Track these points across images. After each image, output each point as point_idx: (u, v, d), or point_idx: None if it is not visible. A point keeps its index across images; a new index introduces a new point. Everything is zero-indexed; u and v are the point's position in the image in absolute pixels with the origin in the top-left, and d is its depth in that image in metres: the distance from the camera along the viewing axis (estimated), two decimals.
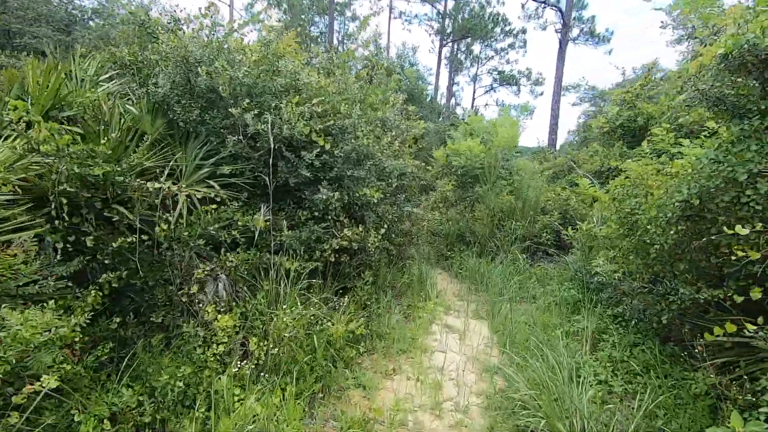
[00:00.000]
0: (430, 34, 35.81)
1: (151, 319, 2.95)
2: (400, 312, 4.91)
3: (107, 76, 4.71)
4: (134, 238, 2.97)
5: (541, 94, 37.55)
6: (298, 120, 3.75)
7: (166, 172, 3.58)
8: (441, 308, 5.27)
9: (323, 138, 4.00)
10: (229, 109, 3.68)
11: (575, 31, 30.87)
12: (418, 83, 17.27)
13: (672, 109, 6.96)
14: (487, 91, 38.61)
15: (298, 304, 3.43)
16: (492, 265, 6.55)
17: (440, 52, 34.85)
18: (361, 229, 4.18)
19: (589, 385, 3.44)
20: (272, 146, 3.52)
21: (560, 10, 28.20)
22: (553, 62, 28.22)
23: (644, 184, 3.68)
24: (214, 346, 2.85)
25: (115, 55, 4.99)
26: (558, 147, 24.33)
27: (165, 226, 3.05)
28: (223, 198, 3.72)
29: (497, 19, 34.23)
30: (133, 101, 4.37)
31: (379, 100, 5.34)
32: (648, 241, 3.31)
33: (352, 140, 4.28)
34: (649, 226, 3.36)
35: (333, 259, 4.04)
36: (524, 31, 35.70)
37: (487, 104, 39.58)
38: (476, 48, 37.37)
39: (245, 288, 3.47)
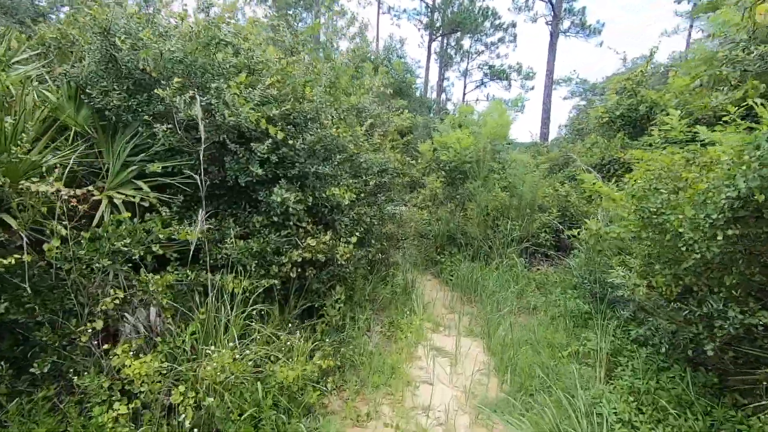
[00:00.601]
0: (419, 29, 35.13)
1: (31, 369, 2.20)
2: (380, 331, 4.20)
3: (24, 57, 3.93)
4: (24, 256, 2.23)
5: (532, 88, 37.17)
6: (243, 104, 3.00)
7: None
8: (429, 324, 4.57)
9: (280, 127, 3.27)
10: (155, 90, 2.92)
11: (566, 23, 30.41)
12: (407, 76, 16.50)
13: (683, 93, 6.32)
14: (477, 86, 38.03)
15: (237, 337, 2.69)
16: (486, 270, 5.86)
17: (429, 47, 34.20)
18: (329, 236, 3.45)
19: (610, 429, 2.76)
20: (202, 136, 2.77)
21: (551, 2, 27.63)
22: (544, 56, 27.72)
23: (671, 177, 3.00)
24: (117, 404, 2.11)
25: (43, 36, 4.21)
26: (549, 141, 23.81)
27: (58, 242, 2.30)
28: (153, 202, 2.97)
29: (487, 12, 33.77)
30: (58, 87, 3.59)
31: (356, 85, 4.62)
32: (683, 248, 2.63)
33: (318, 130, 3.55)
34: (682, 230, 2.68)
35: (295, 274, 3.31)
36: (514, 25, 35.30)
37: (477, 99, 39.05)
38: (466, 42, 36.92)
39: (177, 318, 2.73)
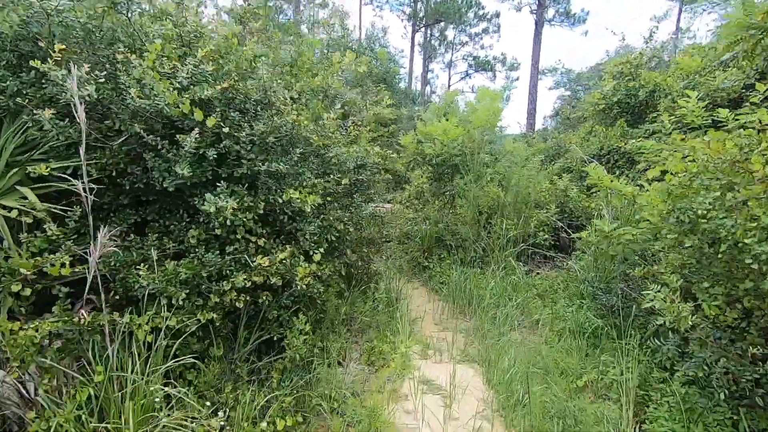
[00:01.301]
0: (402, 20, 34.39)
1: None
2: (358, 362, 3.49)
3: None
4: None
5: (517, 79, 36.70)
6: (159, 82, 2.22)
7: None
8: (417, 348, 3.87)
9: (220, 113, 2.51)
10: (31, 62, 2.12)
11: (551, 12, 29.95)
12: (390, 65, 15.67)
13: (697, 73, 5.71)
14: (462, 78, 37.43)
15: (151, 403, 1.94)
16: (481, 277, 5.18)
17: (413, 38, 33.54)
18: (288, 252, 2.70)
19: None
20: (82, 125, 1.97)
21: None
22: (528, 46, 27.29)
23: (724, 170, 2.32)
24: None
25: None
26: (535, 132, 23.37)
27: None
28: (39, 216, 2.18)
29: (471, 2, 33.31)
30: None
31: (324, 64, 3.85)
32: (753, 264, 1.97)
33: (274, 117, 2.79)
34: (748, 240, 2.02)
35: (241, 304, 2.56)
36: (498, 15, 34.95)
37: (463, 90, 38.42)
38: (450, 34, 36.47)
39: (66, 380, 1.95)
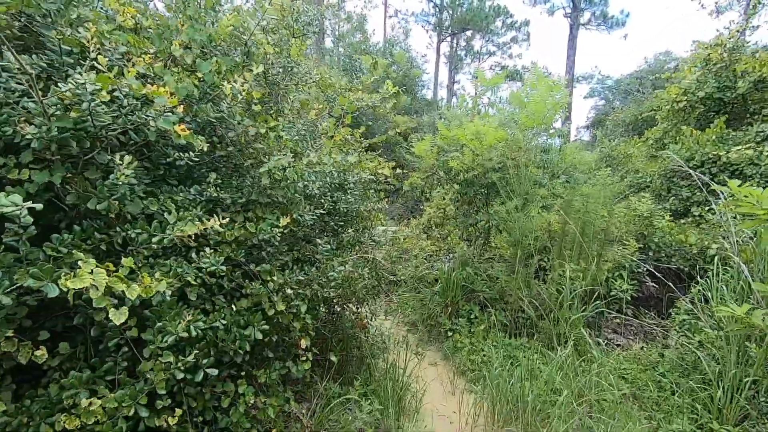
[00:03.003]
0: (427, 30, 33.27)
1: None
2: None
3: None
4: None
5: None
6: None
7: None
8: None
9: None
10: None
11: (586, 15, 27.96)
12: (411, 70, 13.96)
13: None
14: (489, 89, 35.57)
15: None
16: (539, 360, 3.31)
17: (438, 48, 32.28)
18: None
19: None
20: None
21: None
22: (561, 52, 25.28)
23: None
24: None
25: None
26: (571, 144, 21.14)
27: None
28: None
29: (498, 10, 31.90)
30: None
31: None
32: None
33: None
34: None
35: None
36: (527, 24, 33.33)
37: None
38: (476, 43, 35.09)
39: None
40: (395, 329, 4.23)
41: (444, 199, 5.03)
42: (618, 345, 3.79)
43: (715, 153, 5.27)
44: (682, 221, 5.18)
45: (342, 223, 2.53)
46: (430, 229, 5.95)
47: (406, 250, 6.27)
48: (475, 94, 5.57)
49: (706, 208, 5.07)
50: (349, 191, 2.52)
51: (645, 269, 4.41)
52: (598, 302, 3.80)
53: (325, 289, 2.02)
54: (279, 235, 1.80)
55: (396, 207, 10.66)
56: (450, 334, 3.97)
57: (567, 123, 21.82)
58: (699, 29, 26.33)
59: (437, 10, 32.15)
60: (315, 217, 2.17)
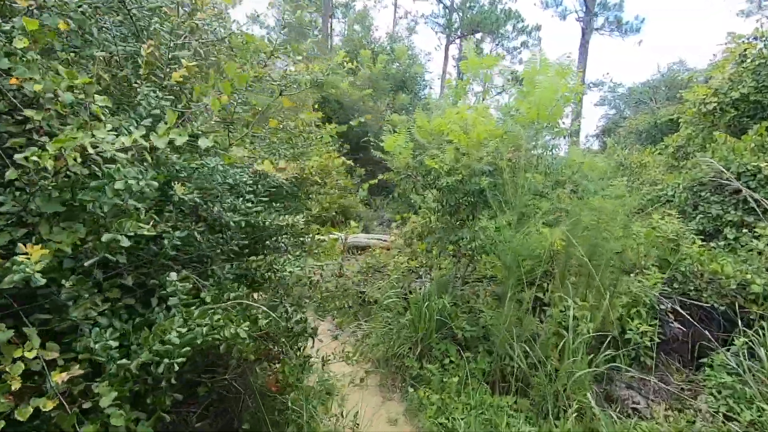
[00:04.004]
0: (436, 32, 32.51)
1: None
2: None
3: None
4: None
5: None
6: None
7: None
8: None
9: None
10: None
11: (600, 20, 27.01)
12: (411, 66, 13.03)
13: None
14: (498, 93, 34.72)
15: None
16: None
17: (447, 50, 31.53)
18: None
19: None
20: None
21: None
22: (574, 57, 24.35)
23: None
24: None
25: None
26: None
27: None
28: None
29: (509, 13, 31.15)
30: None
31: None
32: None
33: None
34: None
35: None
36: (539, 28, 32.45)
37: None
38: (486, 47, 34.29)
39: None
40: (354, 369, 3.37)
41: (422, 210, 4.16)
42: (634, 408, 2.90)
43: (755, 164, 4.37)
44: (712, 245, 4.29)
45: (237, 247, 1.68)
46: (413, 242, 5.10)
47: (385, 264, 5.42)
48: (463, 78, 4.70)
49: (744, 231, 4.19)
50: (249, 195, 1.68)
51: (669, 306, 3.53)
52: (609, 351, 2.92)
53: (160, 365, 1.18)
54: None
55: (390, 207, 9.86)
56: (416, 383, 3.09)
57: (578, 120, 20.80)
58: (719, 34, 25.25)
59: (447, 11, 31.50)
60: (173, 234, 1.33)
